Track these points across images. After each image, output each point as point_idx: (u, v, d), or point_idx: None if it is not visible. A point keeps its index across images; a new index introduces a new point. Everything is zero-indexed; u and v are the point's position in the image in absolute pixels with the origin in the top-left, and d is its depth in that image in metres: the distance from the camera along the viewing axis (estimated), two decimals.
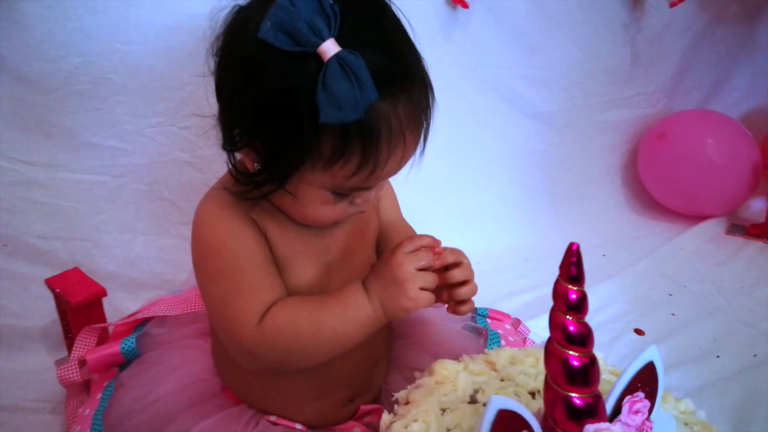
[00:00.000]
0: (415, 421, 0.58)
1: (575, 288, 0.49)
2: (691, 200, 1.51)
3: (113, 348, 0.89)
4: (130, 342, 0.89)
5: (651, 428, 0.53)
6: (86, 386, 0.91)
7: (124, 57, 1.10)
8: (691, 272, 1.33)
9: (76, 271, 1.03)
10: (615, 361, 1.04)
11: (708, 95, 1.68)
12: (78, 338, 0.93)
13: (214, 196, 0.73)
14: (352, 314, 0.69)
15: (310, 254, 0.75)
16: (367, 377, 0.84)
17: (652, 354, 0.54)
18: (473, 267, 0.73)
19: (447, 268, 0.71)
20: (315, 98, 0.58)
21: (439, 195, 1.43)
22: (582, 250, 1.35)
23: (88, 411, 0.84)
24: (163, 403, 0.80)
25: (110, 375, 0.89)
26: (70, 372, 0.89)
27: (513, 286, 1.29)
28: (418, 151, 0.69)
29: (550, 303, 0.51)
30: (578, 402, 0.50)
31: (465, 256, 0.73)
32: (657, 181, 1.55)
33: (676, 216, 1.56)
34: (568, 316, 0.49)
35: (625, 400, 0.52)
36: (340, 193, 0.67)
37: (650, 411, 0.54)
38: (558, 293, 0.49)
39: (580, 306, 0.49)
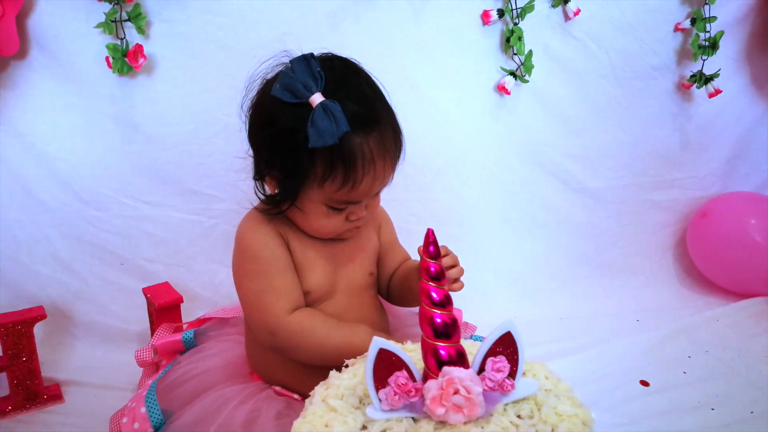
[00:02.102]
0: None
1: (434, 262, 0.66)
2: (737, 278, 1.54)
3: (177, 337, 1.15)
4: (189, 334, 1.15)
5: (512, 386, 0.68)
6: (156, 367, 1.17)
7: (225, 126, 1.42)
8: (718, 340, 1.36)
9: (166, 285, 1.32)
10: (610, 405, 1.13)
11: (766, 180, 1.72)
12: (157, 331, 1.20)
13: (251, 215, 1.01)
14: (356, 341, 0.91)
15: (321, 261, 0.99)
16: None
17: (509, 325, 0.68)
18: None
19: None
20: (307, 132, 0.83)
21: (485, 256, 1.59)
22: (618, 316, 1.45)
23: (149, 381, 1.09)
24: (203, 377, 1.03)
25: (173, 359, 1.14)
26: (145, 354, 1.16)
27: (548, 347, 1.39)
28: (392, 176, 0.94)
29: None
30: (443, 352, 0.66)
31: (447, 248, 0.95)
32: (704, 259, 1.60)
33: (726, 293, 1.58)
34: (431, 283, 0.66)
35: (488, 360, 0.67)
36: (334, 207, 0.93)
37: (514, 374, 0.68)
38: (422, 267, 0.67)
39: (439, 276, 0.66)
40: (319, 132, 0.84)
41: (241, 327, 1.14)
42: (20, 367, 1.19)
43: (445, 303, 0.66)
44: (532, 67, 1.49)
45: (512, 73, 1.50)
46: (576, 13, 1.49)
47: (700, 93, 1.62)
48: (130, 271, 1.44)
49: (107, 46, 1.31)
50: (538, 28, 1.51)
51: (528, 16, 1.48)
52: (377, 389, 0.66)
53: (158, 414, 0.99)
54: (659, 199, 1.68)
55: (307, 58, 0.88)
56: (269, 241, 0.96)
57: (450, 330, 0.66)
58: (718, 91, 1.55)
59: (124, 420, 1.01)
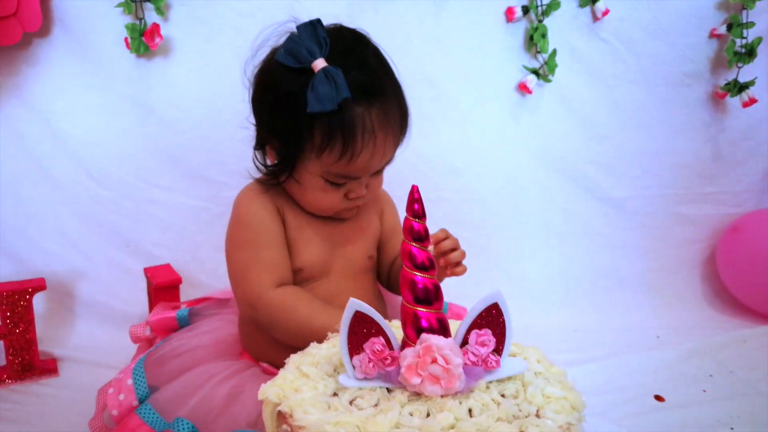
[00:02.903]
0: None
1: (418, 221, 0.62)
2: None
3: (171, 314, 1.12)
4: (183, 312, 1.12)
5: (497, 363, 0.62)
6: (150, 344, 1.14)
7: (240, 111, 1.40)
8: (745, 361, 1.27)
9: (167, 266, 1.30)
10: (619, 418, 1.06)
11: None
12: (154, 310, 1.18)
13: (250, 185, 0.98)
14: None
15: (317, 239, 0.96)
16: None
17: (496, 296, 0.63)
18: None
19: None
20: (306, 97, 0.80)
21: (498, 262, 1.54)
22: (637, 331, 1.37)
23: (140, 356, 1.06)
24: (192, 354, 1.00)
25: (166, 336, 1.11)
26: (139, 330, 1.13)
27: (556, 357, 1.33)
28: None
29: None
30: (423, 319, 0.61)
31: (448, 231, 0.90)
32: (735, 277, 1.51)
33: (757, 316, 1.49)
34: (413, 244, 0.62)
35: (472, 332, 0.62)
36: (332, 182, 0.89)
37: (500, 352, 0.63)
38: (405, 227, 0.62)
39: (422, 237, 0.62)
40: (318, 97, 0.81)
41: (237, 307, 1.11)
42: (17, 337, 1.18)
43: (428, 266, 0.62)
44: (556, 66, 1.44)
45: (535, 72, 1.45)
46: (605, 14, 1.44)
47: (735, 104, 1.55)
48: (135, 253, 1.42)
49: (126, 26, 1.31)
50: (564, 28, 1.47)
51: (554, 14, 1.44)
52: (351, 356, 0.62)
53: (144, 387, 0.96)
54: (688, 213, 1.60)
55: (313, 24, 0.86)
56: (262, 212, 0.93)
57: (432, 296, 0.61)
58: (753, 101, 1.48)
59: (110, 391, 0.98)
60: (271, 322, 0.91)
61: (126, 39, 1.32)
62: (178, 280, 1.23)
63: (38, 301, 1.33)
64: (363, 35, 0.91)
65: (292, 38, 0.86)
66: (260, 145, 0.94)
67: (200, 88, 1.39)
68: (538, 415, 0.59)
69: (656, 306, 1.54)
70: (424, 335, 0.60)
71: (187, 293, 1.31)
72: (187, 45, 1.37)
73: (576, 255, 1.57)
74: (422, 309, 0.61)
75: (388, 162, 0.92)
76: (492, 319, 0.63)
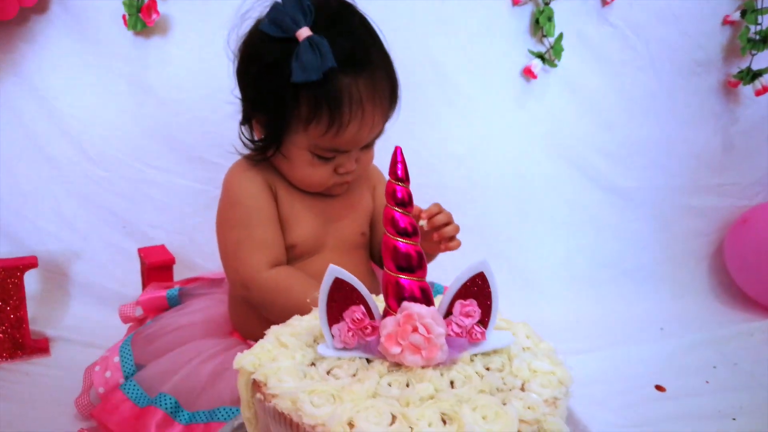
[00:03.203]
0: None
1: (401, 185, 0.59)
2: None
3: (161, 293, 1.10)
4: (174, 291, 1.10)
5: (483, 335, 0.59)
6: (140, 324, 1.12)
7: (238, 94, 1.39)
8: (750, 354, 1.24)
9: (161, 247, 1.28)
10: (618, 407, 1.03)
11: None
12: (145, 290, 1.16)
13: (239, 162, 0.96)
14: None
15: (309, 215, 0.93)
16: None
17: (482, 265, 0.60)
18: None
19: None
20: (291, 67, 0.78)
21: (500, 251, 1.50)
22: (641, 322, 1.34)
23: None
24: (180, 332, 0.98)
25: (156, 315, 1.09)
26: (129, 310, 1.11)
27: (556, 346, 1.29)
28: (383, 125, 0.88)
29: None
30: (405, 287, 0.58)
31: (441, 206, 0.87)
32: (742, 269, 1.47)
33: (765, 310, 1.45)
34: (396, 209, 0.59)
35: (456, 303, 0.59)
36: (320, 156, 0.87)
37: (486, 324, 0.60)
38: (388, 192, 0.59)
39: (405, 202, 0.59)
40: (303, 66, 0.79)
41: (227, 287, 1.08)
42: (8, 314, 1.17)
43: (411, 232, 0.59)
44: (562, 50, 1.41)
45: (540, 56, 1.42)
46: None
47: (747, 94, 1.52)
48: (131, 234, 1.40)
49: (123, 2, 1.30)
50: (572, 12, 1.43)
51: None
52: (331, 325, 0.59)
53: (131, 364, 0.95)
54: (696, 204, 1.57)
55: None
56: (253, 189, 0.91)
57: (414, 263, 0.59)
58: (766, 89, 1.44)
59: (97, 368, 0.97)
60: (265, 302, 0.89)
61: (124, 16, 1.31)
62: (171, 261, 1.21)
63: (32, 281, 1.32)
64: (349, 3, 0.88)
65: (275, 7, 0.83)
66: (246, 119, 0.92)
67: (199, 68, 1.37)
68: (523, 389, 0.56)
69: (661, 298, 1.51)
70: (405, 303, 0.58)
71: (182, 275, 1.28)
72: (186, 24, 1.35)
73: (580, 245, 1.54)
74: (404, 276, 0.59)
75: (378, 135, 0.89)
76: (478, 289, 0.60)
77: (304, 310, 0.82)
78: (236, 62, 0.90)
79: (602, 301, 1.48)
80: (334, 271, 0.59)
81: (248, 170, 0.93)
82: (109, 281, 1.37)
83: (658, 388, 1.11)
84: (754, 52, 1.44)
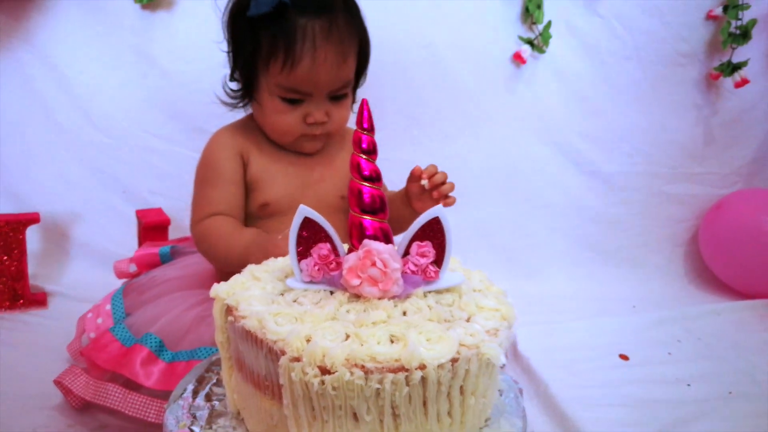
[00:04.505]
0: None
1: (367, 134, 0.65)
2: (748, 277, 1.46)
3: (154, 250, 1.17)
4: (166, 249, 1.17)
5: (436, 273, 0.66)
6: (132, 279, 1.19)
7: None
8: (714, 330, 1.29)
9: (158, 210, 1.35)
10: (581, 371, 1.09)
11: None
12: (140, 248, 1.23)
13: (220, 130, 1.05)
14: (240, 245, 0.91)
15: (284, 176, 1.01)
16: None
17: (438, 211, 0.66)
18: None
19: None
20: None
21: (483, 229, 1.56)
22: (615, 301, 1.40)
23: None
24: (169, 284, 1.05)
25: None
26: (123, 265, 1.18)
27: (530, 318, 1.34)
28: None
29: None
30: (368, 227, 0.65)
31: (437, 166, 0.96)
32: (714, 255, 1.53)
33: (736, 294, 1.50)
34: (362, 156, 0.65)
35: (414, 244, 0.66)
36: (286, 98, 0.95)
37: (440, 264, 0.66)
38: (355, 140, 0.66)
39: (371, 150, 0.65)
40: (258, 1, 0.88)
41: None
42: (9, 266, 1.24)
43: (374, 178, 0.65)
44: (550, 37, 1.47)
45: (529, 42, 1.48)
46: None
47: (728, 87, 1.57)
48: (131, 199, 1.47)
49: None
50: (561, 2, 1.49)
51: None
52: (300, 260, 0.66)
53: (121, 311, 1.01)
54: (675, 192, 1.62)
55: None
56: (220, 152, 1.00)
57: (377, 206, 0.65)
58: (745, 81, 1.49)
59: (89, 315, 1.03)
60: (203, 251, 0.97)
61: None
62: (167, 221, 1.28)
63: (34, 240, 1.39)
64: None
65: None
66: (231, 74, 1.01)
67: (202, 43, 1.42)
68: (468, 321, 0.62)
69: (637, 280, 1.56)
70: (366, 241, 0.64)
71: (176, 236, 1.35)
72: None
73: (561, 226, 1.59)
74: (367, 218, 0.65)
75: (343, 86, 0.96)
76: (433, 232, 0.66)
77: (230, 254, 0.91)
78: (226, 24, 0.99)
79: (579, 279, 1.54)
80: (304, 210, 0.65)
81: (222, 136, 1.03)
82: (108, 243, 1.44)
83: (622, 357, 1.17)
84: (734, 45, 1.50)
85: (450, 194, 0.96)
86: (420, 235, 0.66)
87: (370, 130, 0.66)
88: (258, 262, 0.73)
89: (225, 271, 0.96)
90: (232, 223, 0.95)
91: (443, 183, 0.95)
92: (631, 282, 1.55)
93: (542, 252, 1.58)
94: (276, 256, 0.76)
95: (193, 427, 0.65)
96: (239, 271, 0.71)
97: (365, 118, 0.65)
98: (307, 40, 0.90)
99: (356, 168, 0.66)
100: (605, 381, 1.07)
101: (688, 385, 1.06)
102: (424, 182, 0.94)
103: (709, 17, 1.52)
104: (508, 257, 1.56)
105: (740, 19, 1.48)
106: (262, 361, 0.59)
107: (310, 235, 0.66)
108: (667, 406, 0.99)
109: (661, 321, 1.31)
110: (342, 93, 0.98)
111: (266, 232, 0.95)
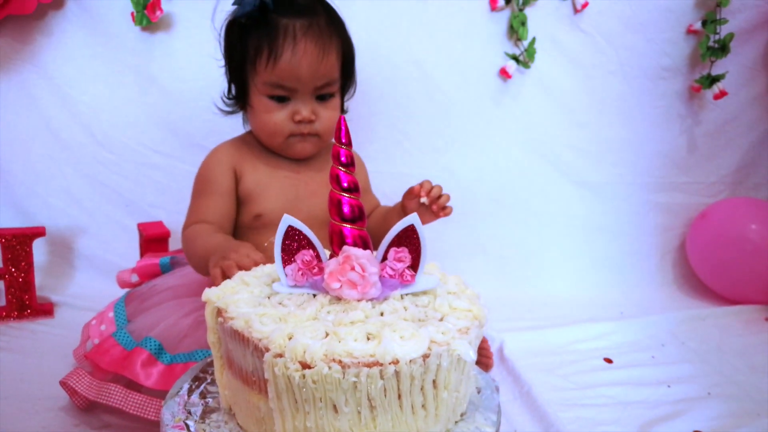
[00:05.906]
0: None
1: (345, 148, 0.70)
2: (734, 283, 1.50)
3: (155, 261, 1.22)
4: (166, 259, 1.22)
5: (412, 276, 0.70)
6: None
7: None
8: (698, 335, 1.33)
9: (159, 223, 1.40)
10: (565, 374, 1.13)
11: None
12: (141, 259, 1.28)
13: (219, 144, 1.12)
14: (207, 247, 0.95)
15: (277, 189, 1.06)
16: None
17: (413, 219, 0.71)
18: None
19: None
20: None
21: (476, 239, 1.61)
22: (603, 307, 1.47)
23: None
24: (169, 292, 1.10)
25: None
26: (125, 275, 1.23)
27: (518, 323, 1.37)
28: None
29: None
30: (347, 235, 0.70)
31: (430, 181, 1.03)
32: (701, 262, 1.57)
33: (723, 301, 1.54)
34: (341, 169, 0.70)
35: (391, 250, 0.70)
36: (273, 96, 1.01)
37: (416, 268, 0.71)
38: (333, 154, 0.70)
39: (348, 163, 0.70)
40: (242, 4, 0.97)
41: None
42: (17, 277, 1.29)
43: (353, 189, 0.70)
44: (535, 52, 1.52)
45: (515, 58, 1.53)
46: (584, 6, 1.52)
47: (710, 98, 1.61)
48: (133, 213, 1.52)
49: (131, 0, 1.42)
50: (546, 19, 1.54)
51: (536, 5, 1.52)
52: (285, 266, 0.71)
53: (123, 318, 1.07)
54: (662, 201, 1.66)
55: None
56: (215, 166, 1.06)
57: (356, 215, 0.70)
58: (723, 93, 1.54)
59: (93, 322, 1.09)
60: (185, 254, 1.03)
61: (132, 13, 1.43)
62: (167, 234, 1.33)
63: (41, 252, 1.45)
64: None
65: None
66: (229, 88, 1.09)
67: (200, 62, 1.49)
68: (441, 321, 0.67)
69: (626, 288, 1.60)
70: (345, 247, 0.69)
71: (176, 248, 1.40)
72: (189, 20, 1.48)
73: (551, 236, 1.64)
74: (347, 226, 0.70)
75: (327, 83, 1.02)
76: (409, 239, 0.71)
77: (200, 255, 0.95)
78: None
79: (569, 286, 1.59)
80: (288, 219, 0.70)
81: (218, 152, 1.09)
82: (111, 254, 1.50)
83: (606, 360, 1.21)
84: (713, 59, 1.54)
85: (446, 204, 1.02)
86: (396, 242, 0.71)
87: (348, 144, 0.71)
88: (215, 264, 0.82)
89: None
90: (210, 229, 1.01)
91: (440, 196, 1.01)
92: (621, 289, 1.59)
93: (532, 260, 1.62)
94: (235, 261, 0.82)
95: (188, 422, 0.70)
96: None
97: (343, 134, 0.70)
98: (288, 36, 0.98)
99: (335, 179, 0.71)
100: (587, 383, 1.11)
101: (669, 386, 1.10)
102: (424, 200, 0.99)
103: (690, 32, 1.57)
104: (501, 266, 1.61)
105: (718, 33, 1.53)
106: (249, 358, 0.64)
107: (294, 242, 0.71)
108: (645, 406, 1.03)
109: (647, 325, 1.35)
110: (327, 92, 1.04)
111: (259, 242, 1.00)
